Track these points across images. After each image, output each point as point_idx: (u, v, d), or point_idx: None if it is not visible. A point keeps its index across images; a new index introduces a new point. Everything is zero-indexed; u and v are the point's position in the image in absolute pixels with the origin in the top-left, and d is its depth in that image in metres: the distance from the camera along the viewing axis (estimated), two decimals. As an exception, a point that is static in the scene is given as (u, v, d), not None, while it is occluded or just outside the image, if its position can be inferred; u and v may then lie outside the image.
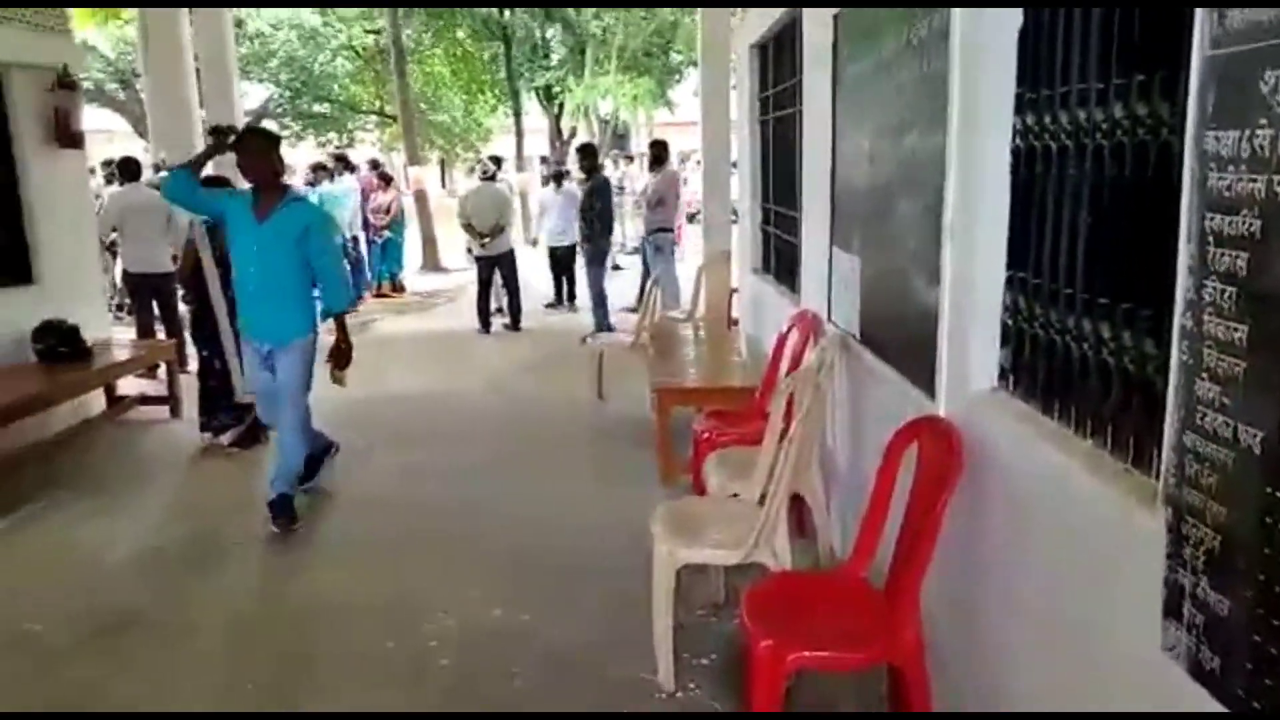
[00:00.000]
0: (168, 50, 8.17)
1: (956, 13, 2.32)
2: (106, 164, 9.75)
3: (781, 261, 5.42)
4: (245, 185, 4.30)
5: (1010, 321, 2.22)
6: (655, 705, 2.86)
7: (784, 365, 4.14)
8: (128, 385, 6.45)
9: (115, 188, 7.90)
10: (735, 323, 7.09)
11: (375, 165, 12.70)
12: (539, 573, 3.80)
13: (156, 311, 7.45)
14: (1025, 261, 2.13)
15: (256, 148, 4.12)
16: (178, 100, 8.27)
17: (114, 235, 7.59)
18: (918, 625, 2.26)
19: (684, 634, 3.04)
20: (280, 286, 4.09)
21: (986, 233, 2.24)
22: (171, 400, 6.22)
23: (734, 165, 8.82)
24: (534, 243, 10.75)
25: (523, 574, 3.79)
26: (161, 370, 6.54)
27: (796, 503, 3.43)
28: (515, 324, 9.27)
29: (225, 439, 5.50)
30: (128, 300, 8.34)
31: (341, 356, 4.25)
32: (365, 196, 11.53)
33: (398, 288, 12.19)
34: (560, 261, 10.37)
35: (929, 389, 2.58)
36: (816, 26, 3.92)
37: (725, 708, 2.80)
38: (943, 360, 2.49)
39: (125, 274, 7.94)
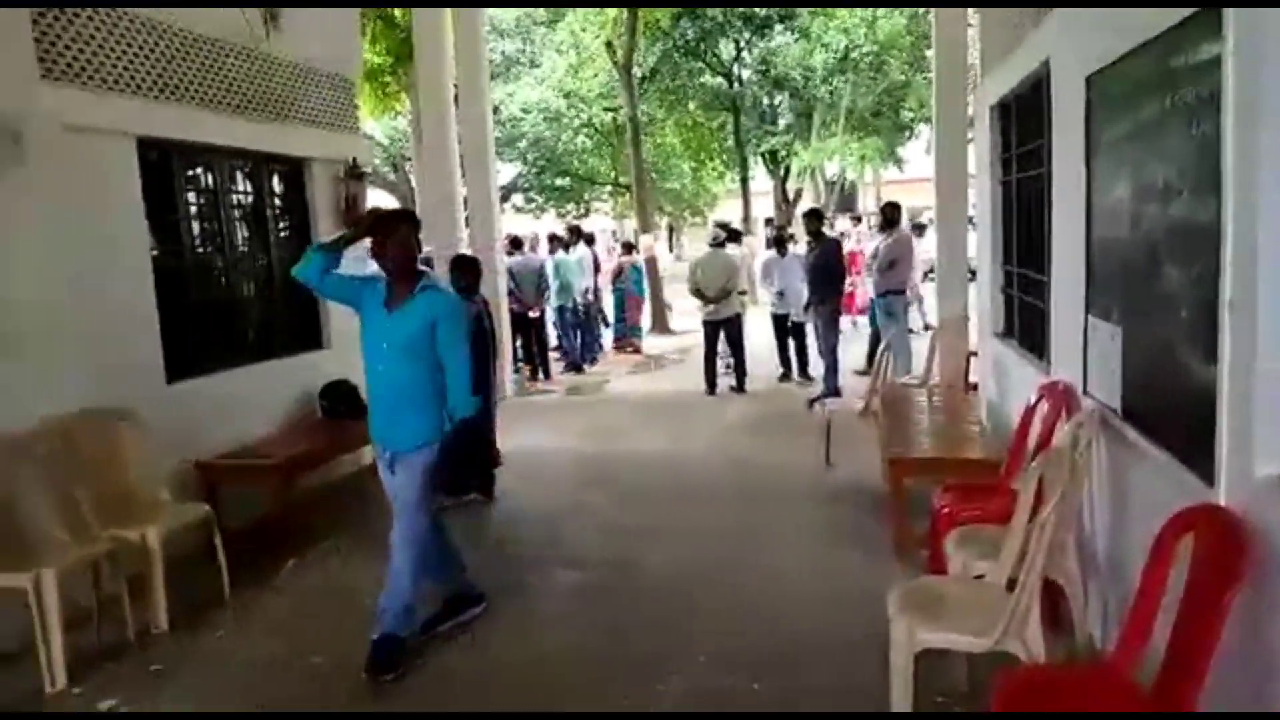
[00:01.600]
0: (437, 137, 9.19)
1: (1229, 74, 2.17)
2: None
3: (1026, 326, 5.14)
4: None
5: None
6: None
7: (1032, 438, 3.91)
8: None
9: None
10: (973, 388, 6.78)
11: (628, 248, 13.95)
12: (768, 640, 3.78)
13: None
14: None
15: (395, 230, 3.61)
16: (444, 180, 9.26)
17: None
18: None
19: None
20: (406, 386, 3.58)
21: (1271, 304, 2.04)
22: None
23: (971, 223, 8.52)
24: (754, 302, 10.64)
25: (751, 641, 3.79)
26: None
27: (1049, 589, 3.20)
28: (740, 386, 9.34)
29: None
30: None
31: (453, 460, 3.74)
32: (596, 264, 12.39)
33: (634, 348, 12.91)
34: (784, 329, 10.00)
35: (1206, 474, 2.35)
36: (1068, 87, 3.77)
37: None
38: (1223, 443, 2.27)
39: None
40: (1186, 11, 2.41)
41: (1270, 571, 1.98)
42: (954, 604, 2.88)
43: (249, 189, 6.03)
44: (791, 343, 9.90)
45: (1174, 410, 2.65)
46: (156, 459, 4.59)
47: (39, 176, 4.07)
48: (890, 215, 9.31)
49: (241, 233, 5.96)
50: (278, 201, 6.29)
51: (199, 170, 5.60)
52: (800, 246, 10.87)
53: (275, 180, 6.26)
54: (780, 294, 9.76)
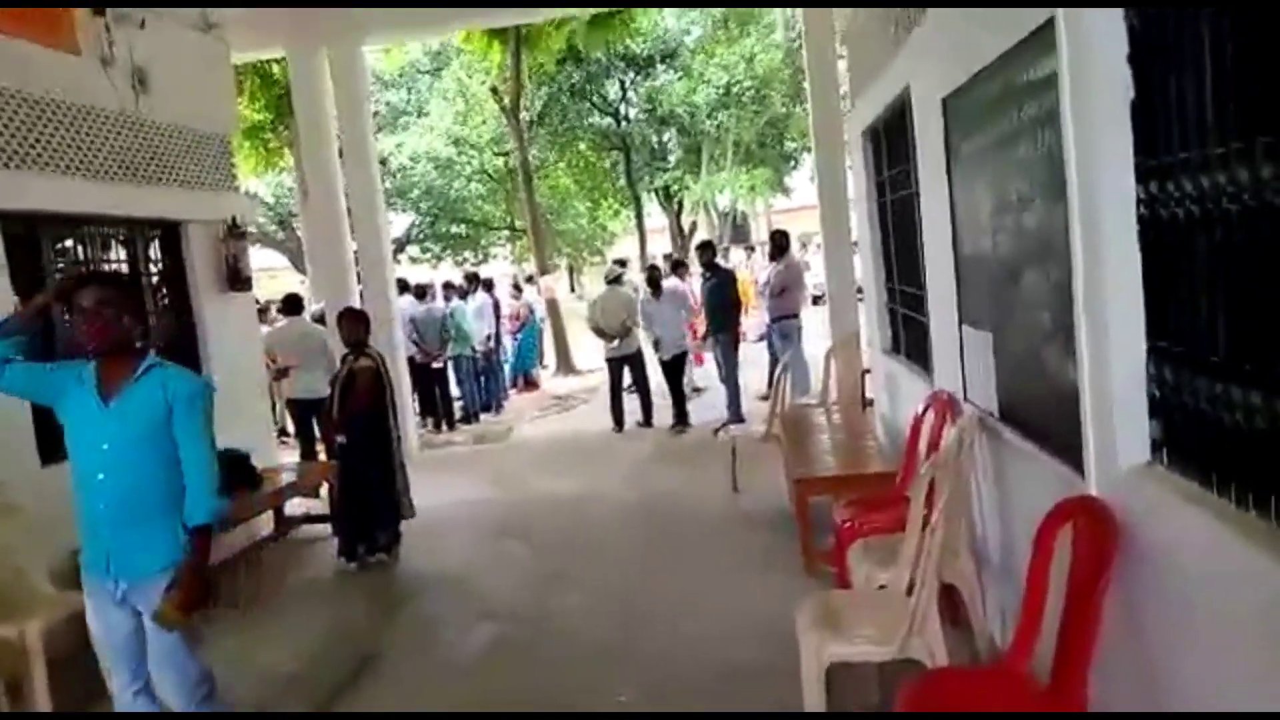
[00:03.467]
0: (322, 191, 9.02)
1: (1065, 87, 2.32)
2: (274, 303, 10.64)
3: (911, 340, 5.33)
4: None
5: (1158, 392, 2.13)
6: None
7: (922, 447, 4.04)
8: (294, 505, 6.88)
9: (280, 321, 8.61)
10: (870, 404, 6.97)
11: (517, 288, 14.29)
12: (688, 671, 3.78)
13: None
14: (1167, 331, 2.05)
15: (94, 302, 2.74)
16: (332, 235, 9.08)
17: (281, 364, 8.20)
18: (1088, 721, 2.12)
19: (840, 734, 2.94)
20: (143, 494, 2.75)
21: (1120, 304, 2.18)
22: (334, 519, 6.58)
23: (855, 244, 8.82)
24: (655, 344, 9.56)
25: (672, 673, 3.78)
26: (324, 490, 6.95)
27: (949, 592, 3.30)
28: (647, 420, 9.38)
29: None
30: (290, 425, 8.98)
31: (188, 592, 2.72)
32: (497, 309, 12.37)
33: (531, 382, 13.16)
34: (671, 373, 9.39)
35: (1078, 466, 2.47)
36: (927, 110, 3.96)
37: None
38: (1089, 436, 2.39)
39: (289, 400, 8.58)
40: (1028, 28, 2.56)
41: (1138, 556, 2.08)
42: (858, 615, 2.93)
43: (123, 256, 5.78)
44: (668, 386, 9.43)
45: (1045, 409, 2.77)
46: (34, 547, 4.29)
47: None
48: (779, 243, 9.56)
49: (116, 301, 5.70)
50: (154, 268, 6.04)
51: (69, 241, 5.34)
52: (685, 281, 11.17)
53: (153, 246, 6.03)
54: (656, 341, 9.35)
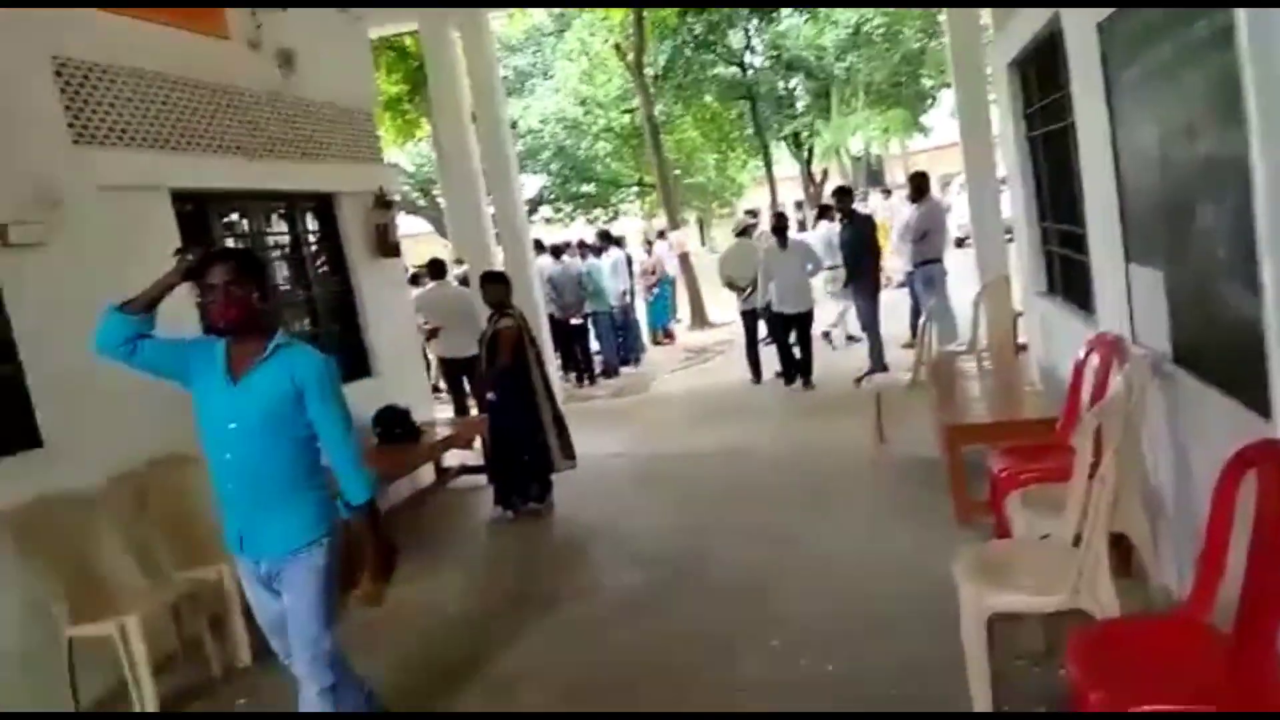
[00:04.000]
0: (459, 159, 9.30)
1: (1240, 11, 2.13)
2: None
3: (1070, 281, 5.07)
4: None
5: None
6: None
7: (1085, 393, 3.86)
8: (451, 457, 7.25)
9: (426, 286, 9.01)
10: (1022, 349, 6.68)
11: (649, 243, 14.48)
12: (841, 621, 3.79)
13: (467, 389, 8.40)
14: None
15: (224, 280, 2.68)
16: (470, 199, 9.37)
17: (431, 326, 8.59)
18: (1276, 670, 2.01)
19: (1002, 685, 2.89)
20: (270, 474, 2.74)
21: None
22: (488, 470, 6.90)
23: (1002, 183, 8.40)
24: (765, 309, 8.90)
25: (824, 624, 3.79)
26: (476, 443, 7.28)
27: (1118, 541, 3.16)
28: (788, 376, 8.99)
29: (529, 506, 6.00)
30: (443, 383, 9.42)
31: (379, 566, 2.88)
32: (630, 265, 12.52)
33: (669, 334, 13.50)
34: (783, 329, 8.86)
35: (1263, 409, 2.31)
36: (1080, 37, 3.71)
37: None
38: (1275, 376, 2.23)
39: (440, 360, 9.00)
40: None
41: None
42: (1020, 565, 2.86)
43: (284, 229, 6.18)
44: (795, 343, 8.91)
45: (1224, 349, 2.60)
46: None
47: (81, 238, 4.22)
48: (919, 184, 9.19)
49: (281, 272, 6.11)
50: (312, 238, 6.43)
51: (235, 216, 5.74)
52: (813, 231, 10.89)
53: (308, 217, 6.41)
54: (769, 300, 8.82)
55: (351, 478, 2.80)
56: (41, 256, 4.00)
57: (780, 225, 9.05)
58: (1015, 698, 2.92)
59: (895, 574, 4.13)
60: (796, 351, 8.83)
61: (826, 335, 10.51)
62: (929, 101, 23.83)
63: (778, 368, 9.22)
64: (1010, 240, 7.64)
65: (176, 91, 5.06)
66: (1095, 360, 3.82)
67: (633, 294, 12.49)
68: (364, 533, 2.84)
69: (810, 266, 8.75)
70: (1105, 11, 3.25)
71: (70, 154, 4.32)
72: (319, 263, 6.48)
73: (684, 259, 14.65)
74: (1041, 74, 5.05)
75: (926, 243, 8.73)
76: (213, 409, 2.74)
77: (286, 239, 6.18)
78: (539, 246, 10.97)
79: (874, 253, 9.02)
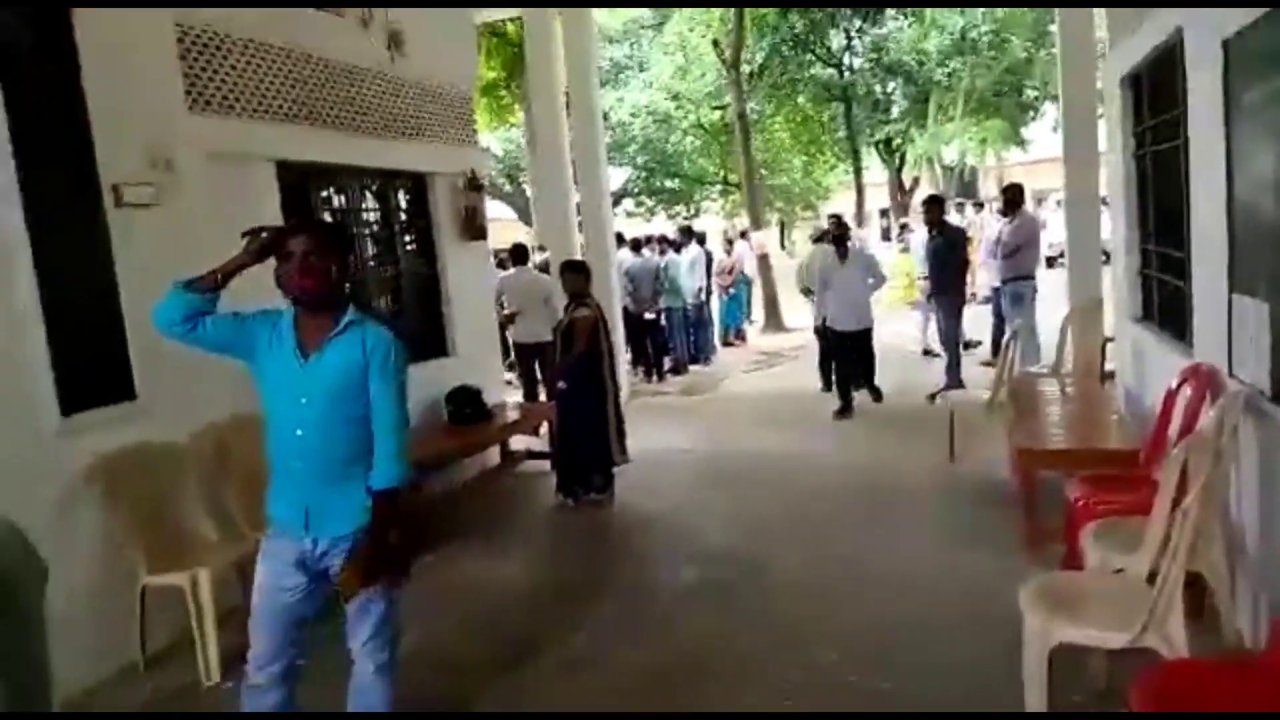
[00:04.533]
0: (550, 146, 9.41)
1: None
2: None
3: (1167, 308, 4.86)
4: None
5: None
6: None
7: (1174, 426, 3.70)
8: (517, 441, 7.36)
9: (509, 270, 9.15)
10: (1109, 377, 6.44)
11: (730, 242, 14.47)
12: (896, 641, 3.72)
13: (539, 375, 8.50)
14: None
15: (310, 247, 2.65)
16: (557, 188, 9.48)
17: (509, 310, 8.72)
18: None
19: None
20: (343, 450, 2.71)
21: None
22: (553, 458, 6.98)
23: (1103, 202, 8.10)
24: (820, 327, 8.51)
25: (880, 640, 3.73)
26: (543, 428, 7.38)
27: (1193, 582, 3.03)
28: (875, 396, 8.46)
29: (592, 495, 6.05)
30: (516, 366, 9.56)
31: (368, 561, 2.67)
32: (709, 263, 12.48)
33: (740, 336, 13.30)
34: (842, 347, 8.20)
35: (1369, 457, 2.18)
36: (1203, 53, 3.55)
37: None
38: (1387, 424, 2.11)
39: (515, 344, 9.13)
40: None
41: None
42: (1091, 598, 2.76)
43: (376, 205, 6.34)
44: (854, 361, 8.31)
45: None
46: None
47: (189, 203, 4.40)
48: (1012, 197, 8.92)
49: (371, 248, 6.27)
50: (403, 215, 6.58)
51: (331, 189, 5.92)
52: (870, 243, 10.56)
53: (400, 196, 6.56)
54: (824, 317, 8.33)
55: (385, 462, 2.70)
56: (150, 217, 4.19)
57: (841, 233, 8.20)
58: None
59: (957, 597, 4.03)
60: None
61: (929, 352, 10.20)
62: (1030, 114, 23.09)
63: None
64: (1106, 262, 7.36)
65: (288, 64, 5.23)
66: (1187, 392, 3.67)
67: (709, 292, 12.44)
68: (370, 522, 2.68)
69: (872, 280, 8.20)
70: (1232, 28, 3.10)
71: (185, 120, 4.50)
72: (407, 241, 6.63)
73: (763, 260, 14.53)
74: (1156, 90, 4.85)
75: (1018, 258, 8.47)
76: (282, 384, 2.68)
77: (377, 215, 6.34)
78: (619, 240, 11.01)
79: (962, 266, 8.79)
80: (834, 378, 8.40)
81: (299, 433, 2.67)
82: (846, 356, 8.17)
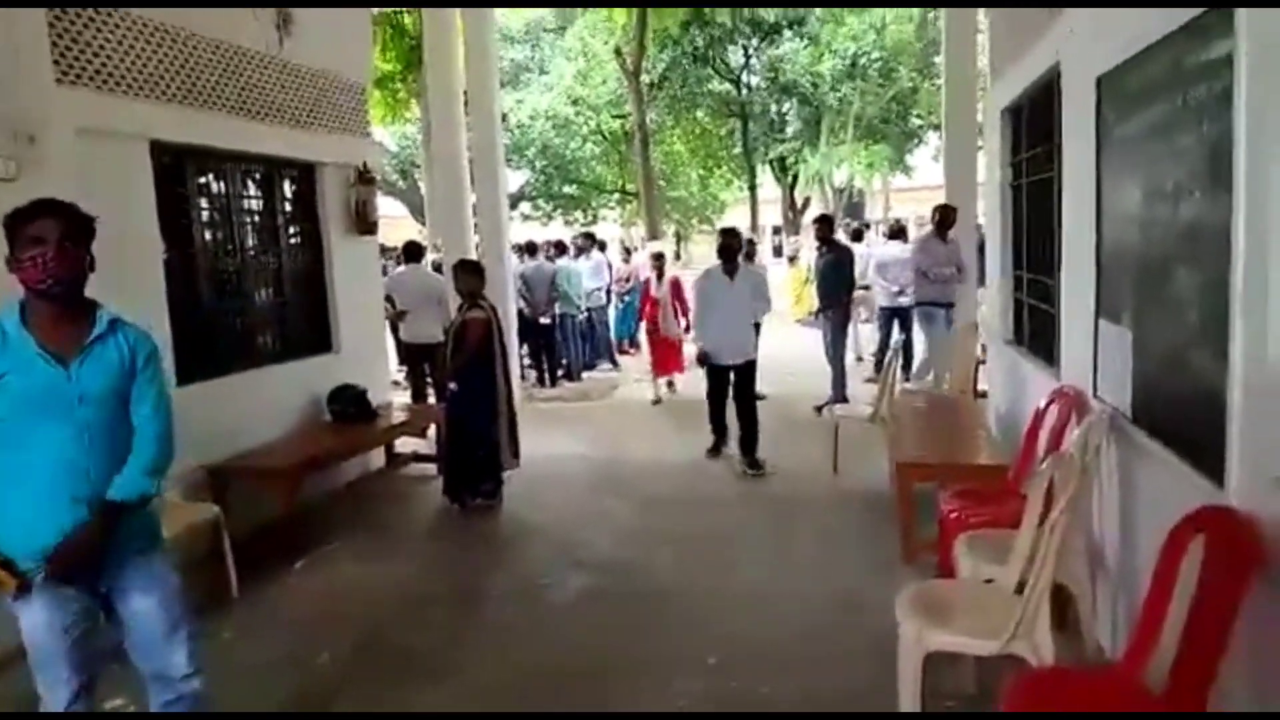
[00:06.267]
0: (447, 144, 9.22)
1: (1241, 73, 2.17)
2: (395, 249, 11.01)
3: (1037, 332, 5.13)
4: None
5: (1320, 404, 1.99)
6: (901, 798, 2.75)
7: (1041, 443, 3.90)
8: (404, 443, 7.15)
9: (400, 267, 8.91)
10: (982, 395, 6.76)
11: (628, 251, 14.14)
12: (777, 644, 3.78)
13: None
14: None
15: (65, 231, 2.32)
16: (453, 186, 9.30)
17: (399, 309, 8.48)
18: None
19: (932, 723, 2.90)
20: (106, 463, 2.39)
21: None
22: (440, 461, 6.82)
23: (978, 230, 8.49)
24: (700, 359, 6.77)
25: (760, 645, 3.78)
26: (431, 431, 7.20)
27: (1058, 594, 3.19)
28: (751, 464, 6.60)
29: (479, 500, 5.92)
30: (405, 367, 9.31)
31: (71, 551, 2.32)
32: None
33: (635, 344, 13.19)
34: (742, 388, 6.68)
35: (1217, 476, 2.35)
36: (1078, 89, 3.77)
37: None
38: (1233, 445, 2.26)
39: (405, 344, 8.89)
40: (1198, 10, 2.41)
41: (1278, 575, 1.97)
42: (963, 607, 2.87)
43: (259, 193, 6.06)
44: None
45: (1185, 412, 2.64)
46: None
47: (53, 179, 4.09)
48: (944, 218, 7.97)
49: (252, 238, 5.99)
50: (288, 206, 6.32)
51: (210, 175, 5.63)
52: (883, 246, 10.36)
53: (286, 185, 6.30)
54: (704, 351, 6.71)
55: (135, 474, 2.40)
56: (7, 192, 3.88)
57: (729, 245, 6.61)
58: (944, 738, 2.93)
59: (837, 604, 4.13)
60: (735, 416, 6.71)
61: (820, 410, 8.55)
62: (915, 141, 24.16)
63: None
64: (981, 287, 7.69)
65: (167, 41, 4.97)
66: (1054, 412, 3.87)
67: (609, 299, 12.46)
68: (97, 520, 2.35)
69: (757, 304, 6.71)
70: (1107, 65, 3.30)
71: (53, 93, 4.20)
72: (292, 232, 6.37)
73: (675, 286, 14.68)
74: (1033, 123, 5.12)
75: (949, 284, 7.86)
76: (33, 396, 2.29)
77: (260, 204, 6.07)
78: (523, 248, 10.98)
79: (849, 284, 9.05)
80: (711, 418, 6.90)
81: (66, 447, 2.32)
82: (723, 393, 6.73)
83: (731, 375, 6.62)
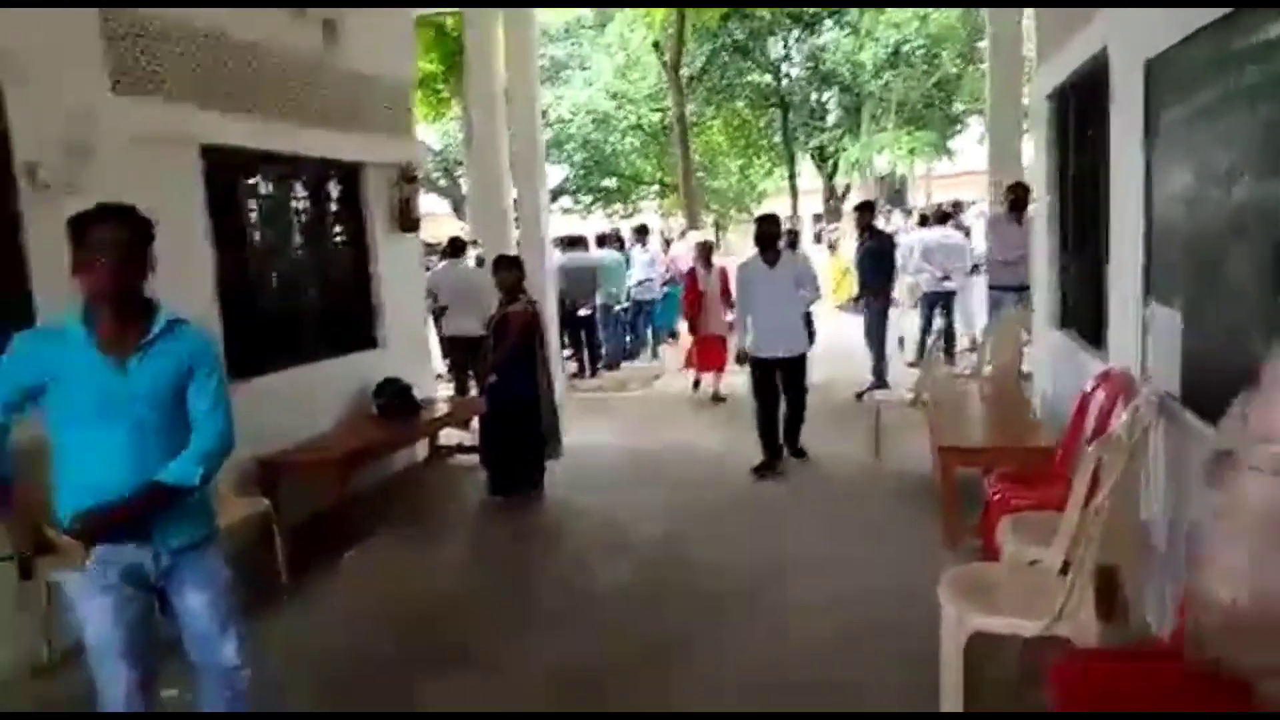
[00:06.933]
0: (488, 140, 9.31)
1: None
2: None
3: (1084, 315, 5.05)
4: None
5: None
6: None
7: (1088, 425, 3.85)
8: (447, 435, 7.26)
9: (442, 264, 9.03)
10: (1027, 377, 6.66)
11: (668, 243, 14.02)
12: (819, 628, 3.79)
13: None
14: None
15: (130, 236, 2.39)
16: (493, 183, 9.38)
17: (442, 303, 8.60)
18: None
19: (975, 706, 2.88)
20: (164, 457, 2.44)
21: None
22: (482, 453, 6.90)
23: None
24: (740, 357, 6.46)
25: (803, 629, 3.80)
26: (474, 423, 7.29)
27: (1103, 575, 3.15)
28: (795, 452, 6.55)
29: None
30: (446, 361, 9.43)
31: (104, 516, 2.36)
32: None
33: (674, 335, 13.13)
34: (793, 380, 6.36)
35: (1270, 457, 2.30)
36: (1126, 73, 3.70)
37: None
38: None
39: (446, 338, 9.01)
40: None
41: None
42: (1006, 589, 2.86)
43: (307, 194, 6.18)
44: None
45: (1237, 394, 2.58)
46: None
47: (109, 186, 4.21)
48: (1020, 197, 7.54)
49: (300, 237, 6.12)
50: (334, 206, 6.44)
51: (259, 176, 5.76)
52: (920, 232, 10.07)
53: (332, 185, 6.42)
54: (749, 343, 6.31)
55: (187, 461, 2.44)
56: (68, 200, 4.00)
57: (768, 232, 6.32)
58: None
59: (877, 588, 4.12)
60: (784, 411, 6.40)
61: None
62: (958, 127, 23.78)
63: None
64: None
65: (217, 49, 5.08)
66: (1101, 395, 3.81)
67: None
68: (140, 500, 2.39)
69: (803, 293, 6.30)
70: (1155, 49, 3.24)
71: (108, 102, 4.33)
72: (337, 231, 6.49)
73: (723, 275, 14.68)
74: (1081, 107, 5.04)
75: (1019, 266, 7.46)
76: (92, 397, 2.36)
77: (307, 204, 6.19)
78: (568, 241, 11.12)
79: (889, 271, 8.99)
80: (759, 420, 6.34)
81: (124, 444, 2.39)
82: (772, 393, 6.29)
83: (779, 371, 6.24)
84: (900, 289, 10.45)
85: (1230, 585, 1.92)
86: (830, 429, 7.18)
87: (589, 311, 10.77)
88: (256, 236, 5.71)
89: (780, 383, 6.28)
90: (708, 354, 9.06)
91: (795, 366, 6.28)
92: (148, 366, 2.42)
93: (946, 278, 9.19)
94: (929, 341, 8.19)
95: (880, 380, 8.43)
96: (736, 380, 8.24)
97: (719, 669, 3.53)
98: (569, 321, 10.54)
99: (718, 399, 8.87)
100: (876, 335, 8.65)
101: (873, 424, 6.38)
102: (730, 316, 8.17)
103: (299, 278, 6.07)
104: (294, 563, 4.67)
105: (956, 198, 17.33)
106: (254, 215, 5.69)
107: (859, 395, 8.30)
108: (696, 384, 9.31)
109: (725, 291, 8.73)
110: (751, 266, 6.32)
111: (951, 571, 3.02)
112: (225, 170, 5.30)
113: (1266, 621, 1.87)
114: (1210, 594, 1.98)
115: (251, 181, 5.68)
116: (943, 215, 10.92)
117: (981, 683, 3.05)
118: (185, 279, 4.81)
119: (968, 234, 11.34)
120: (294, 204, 6.06)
